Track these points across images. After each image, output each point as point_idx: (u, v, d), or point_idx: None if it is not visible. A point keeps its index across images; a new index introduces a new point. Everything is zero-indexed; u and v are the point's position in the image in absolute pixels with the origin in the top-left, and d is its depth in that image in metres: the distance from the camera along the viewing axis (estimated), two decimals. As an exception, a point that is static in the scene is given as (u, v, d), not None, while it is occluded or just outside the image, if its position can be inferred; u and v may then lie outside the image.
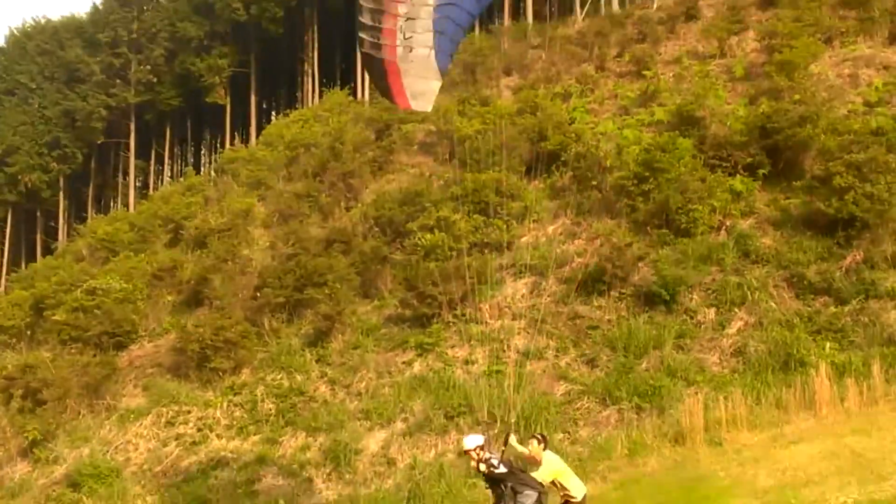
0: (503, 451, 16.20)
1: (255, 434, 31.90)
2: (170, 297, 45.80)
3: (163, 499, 29.70)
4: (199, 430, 33.06)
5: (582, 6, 61.60)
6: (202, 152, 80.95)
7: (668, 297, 31.66)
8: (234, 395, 34.44)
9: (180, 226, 54.20)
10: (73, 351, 41.33)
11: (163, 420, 34.27)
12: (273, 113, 76.00)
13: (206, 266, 45.10)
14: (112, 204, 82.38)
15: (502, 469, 15.63)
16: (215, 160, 74.37)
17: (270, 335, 37.39)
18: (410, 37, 14.32)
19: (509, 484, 15.60)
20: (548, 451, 16.98)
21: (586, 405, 28.19)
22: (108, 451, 33.76)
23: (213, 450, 31.90)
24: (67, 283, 47.87)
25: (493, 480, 15.87)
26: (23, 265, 78.53)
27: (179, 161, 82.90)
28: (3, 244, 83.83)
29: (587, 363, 30.21)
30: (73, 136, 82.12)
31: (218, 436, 32.59)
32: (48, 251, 78.36)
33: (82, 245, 62.32)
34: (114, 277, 45.95)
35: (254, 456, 30.71)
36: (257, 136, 70.72)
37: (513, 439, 16.87)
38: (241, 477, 29.64)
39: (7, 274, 79.00)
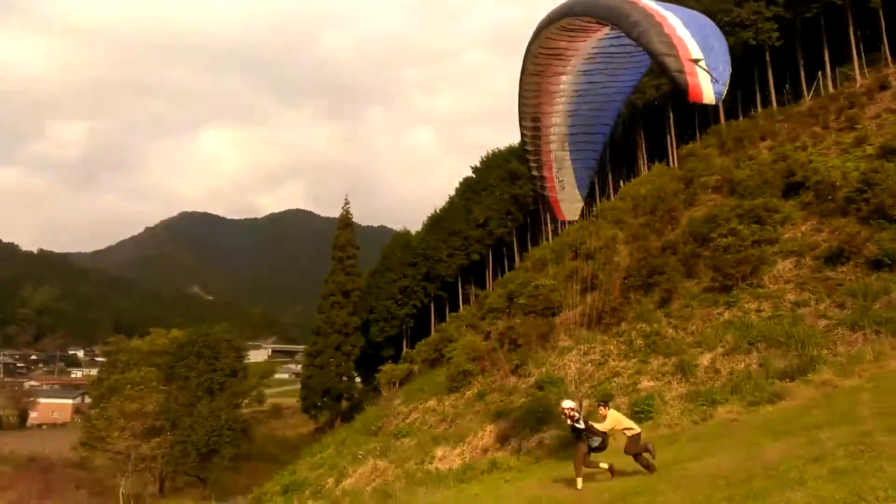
0: (581, 410, 16.46)
1: (633, 358, 31.24)
2: (576, 287, 46.12)
3: (590, 392, 29.80)
4: (602, 357, 32.98)
5: (808, 91, 55.01)
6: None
7: (889, 262, 27.28)
8: (619, 336, 33.95)
9: (577, 248, 54.53)
10: (530, 318, 42.81)
11: (582, 352, 34.62)
12: (621, 181, 74.65)
13: (594, 269, 44.96)
14: (539, 239, 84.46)
15: (582, 424, 15.84)
16: (593, 211, 74.00)
17: (635, 303, 36.69)
18: (561, 180, 16.47)
19: (585, 432, 15.76)
20: (610, 410, 16.30)
21: (840, 332, 24.82)
22: (554, 369, 34.68)
23: (610, 367, 31.65)
24: (524, 283, 49.87)
25: (575, 429, 15.95)
26: (498, 276, 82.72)
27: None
28: (488, 270, 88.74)
29: (838, 307, 26.59)
30: (516, 208, 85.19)
31: (612, 360, 32.30)
32: (511, 268, 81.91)
33: (528, 263, 64.54)
34: (546, 278, 47.25)
35: (633, 370, 30.08)
36: (614, 194, 69.68)
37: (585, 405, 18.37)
38: (628, 382, 29.33)
39: (493, 281, 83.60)
